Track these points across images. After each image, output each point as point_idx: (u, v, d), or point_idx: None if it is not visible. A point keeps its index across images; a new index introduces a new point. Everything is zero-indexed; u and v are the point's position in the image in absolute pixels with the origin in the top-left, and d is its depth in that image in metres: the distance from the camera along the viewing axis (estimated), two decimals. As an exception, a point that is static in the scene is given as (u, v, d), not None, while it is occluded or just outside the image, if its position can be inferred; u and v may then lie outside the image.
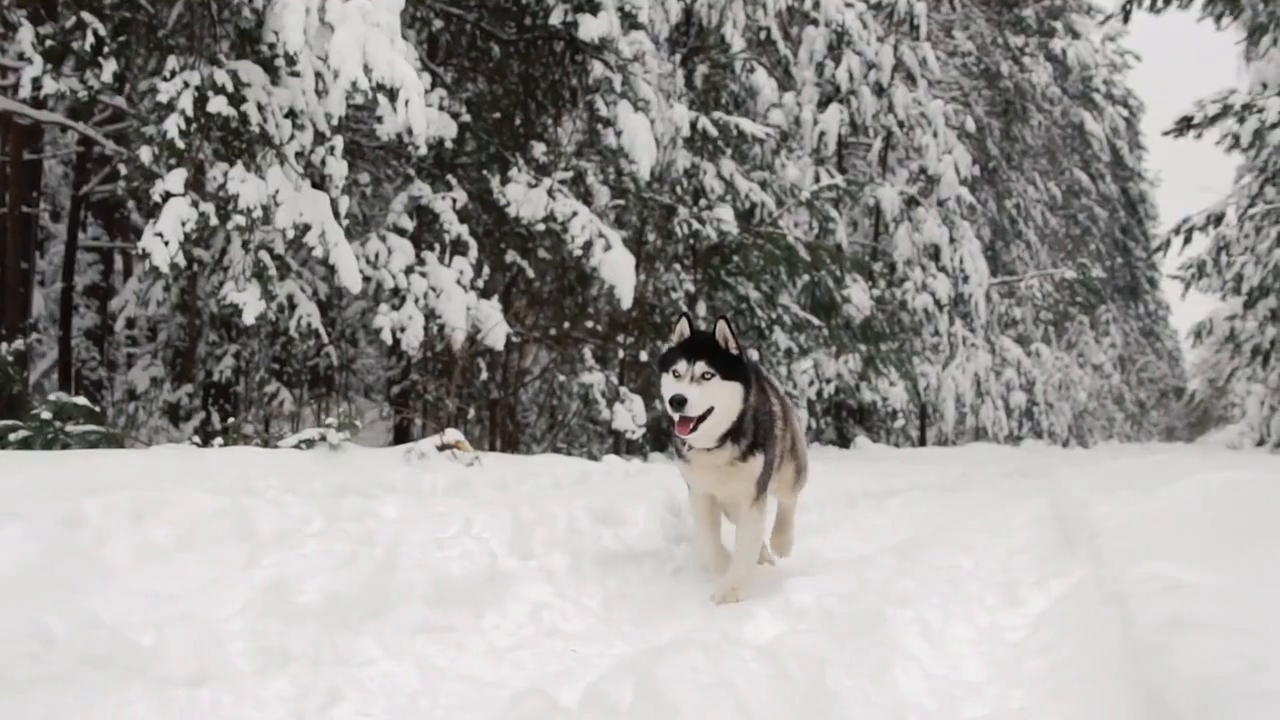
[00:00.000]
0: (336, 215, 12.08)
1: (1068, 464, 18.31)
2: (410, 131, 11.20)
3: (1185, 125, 18.56)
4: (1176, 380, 60.58)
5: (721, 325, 5.01)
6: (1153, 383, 57.45)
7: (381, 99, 10.96)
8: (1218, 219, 19.96)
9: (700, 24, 20.57)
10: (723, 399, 4.90)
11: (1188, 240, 20.27)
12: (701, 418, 4.85)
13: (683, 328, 5.07)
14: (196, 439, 10.98)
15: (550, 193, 15.23)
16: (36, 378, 18.11)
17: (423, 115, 11.04)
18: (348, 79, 10.70)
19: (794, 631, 3.59)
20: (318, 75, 11.95)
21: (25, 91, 11.32)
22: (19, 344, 12.15)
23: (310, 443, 10.05)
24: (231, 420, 14.43)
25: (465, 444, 11.12)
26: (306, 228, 11.55)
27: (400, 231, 14.71)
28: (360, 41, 10.84)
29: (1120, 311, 49.91)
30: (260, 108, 11.61)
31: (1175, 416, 65.55)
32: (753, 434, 5.14)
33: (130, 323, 22.58)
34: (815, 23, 24.77)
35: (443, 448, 10.87)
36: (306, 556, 3.89)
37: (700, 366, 4.87)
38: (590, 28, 15.36)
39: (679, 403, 4.74)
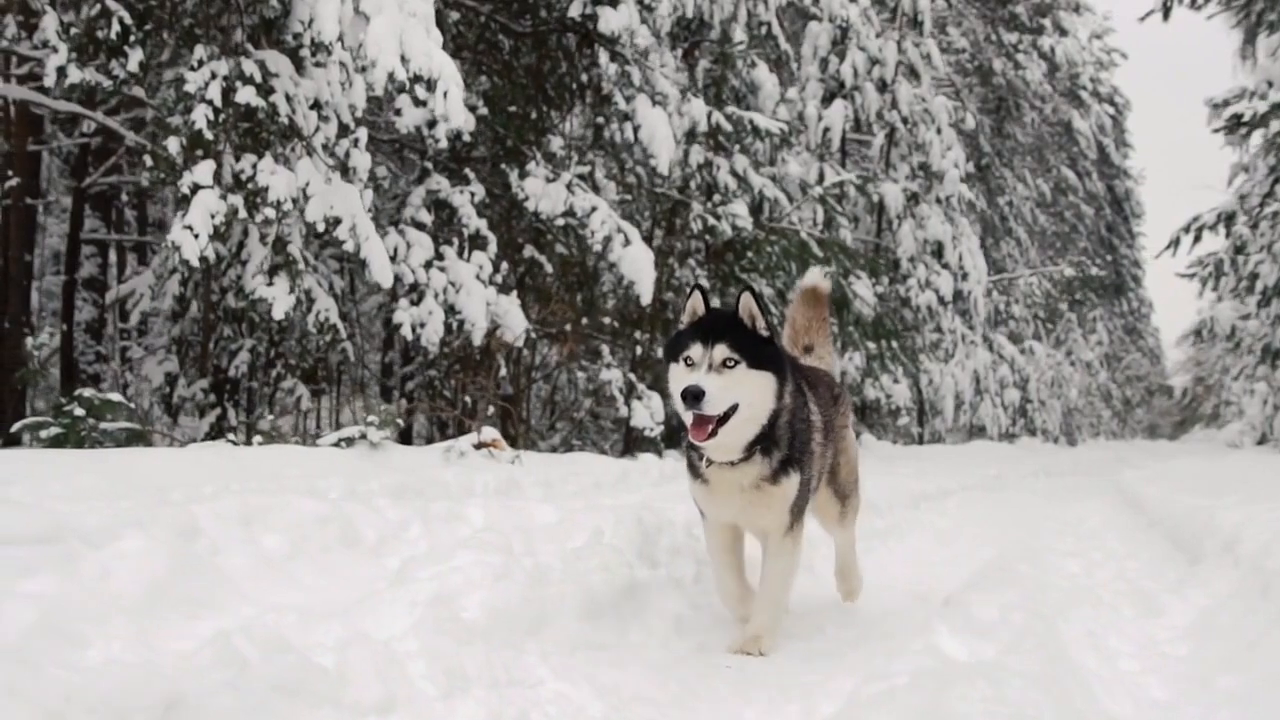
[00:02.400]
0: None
1: (1090, 463, 18.27)
2: (446, 119, 10.98)
3: (1235, 123, 18.49)
4: (1158, 378, 60.95)
5: (747, 299, 3.98)
6: (1137, 380, 57.73)
7: (418, 90, 10.77)
8: (1229, 217, 19.95)
9: (702, 18, 20.37)
10: (750, 394, 3.90)
11: (1198, 239, 20.25)
12: (723, 419, 3.85)
13: (695, 303, 4.09)
14: (234, 437, 10.74)
15: (569, 187, 15.06)
16: (44, 358, 17.81)
17: (461, 106, 10.87)
18: (385, 69, 10.50)
19: (989, 649, 3.42)
20: (342, 66, 11.76)
21: (50, 80, 11.05)
22: (44, 338, 11.88)
23: (350, 441, 9.87)
24: (253, 416, 14.21)
25: (502, 442, 10.96)
26: (337, 221, 11.34)
27: (419, 226, 14.51)
28: (397, 31, 10.64)
29: (1105, 309, 50.08)
30: (288, 98, 11.38)
31: (1158, 414, 65.94)
32: (788, 445, 4.12)
33: (126, 316, 22.28)
34: (818, 18, 24.65)
35: (479, 446, 10.71)
36: (461, 569, 3.71)
37: (721, 351, 3.85)
38: (611, 20, 15.17)
39: (694, 397, 3.74)
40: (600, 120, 16.84)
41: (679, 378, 3.90)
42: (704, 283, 18.18)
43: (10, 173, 13.36)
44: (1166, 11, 20.42)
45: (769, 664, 3.98)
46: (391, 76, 10.51)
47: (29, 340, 11.68)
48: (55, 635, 3.14)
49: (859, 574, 5.20)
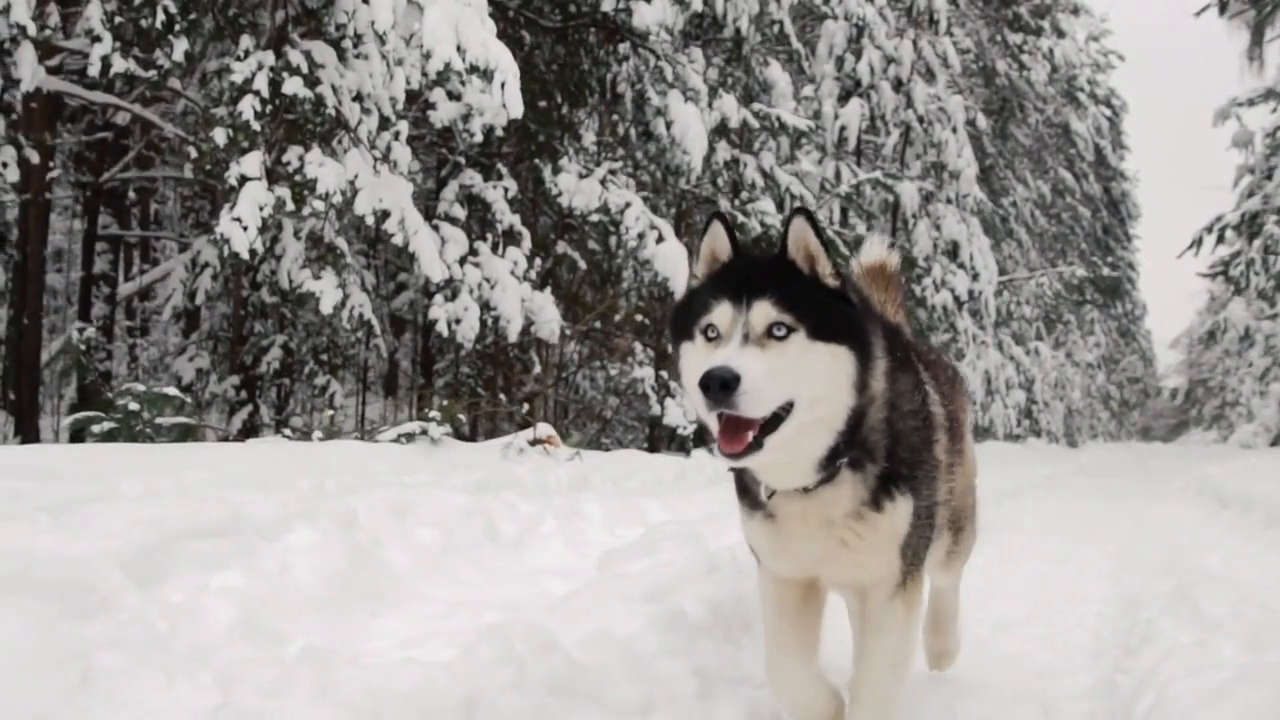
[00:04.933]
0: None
1: (1114, 464, 18.18)
2: (505, 110, 10.78)
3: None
4: (1151, 380, 61.14)
5: (800, 227, 2.62)
6: (1132, 382, 57.85)
7: (474, 80, 10.59)
8: (1252, 218, 19.92)
9: (714, 16, 20.20)
10: (815, 381, 2.51)
11: (1220, 239, 20.23)
12: (771, 421, 2.47)
13: (716, 240, 2.73)
14: (289, 432, 10.53)
15: (603, 183, 14.89)
16: (46, 361, 17.57)
17: (518, 97, 10.68)
18: (441, 59, 10.31)
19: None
20: (384, 57, 11.57)
21: (94, 70, 10.82)
22: (89, 332, 11.66)
23: (410, 436, 9.70)
24: (284, 413, 14.01)
25: (556, 439, 10.83)
26: (386, 214, 11.15)
27: (452, 221, 14.32)
28: (453, 21, 10.45)
29: (1101, 312, 50.16)
30: (334, 90, 11.19)
31: (1152, 416, 66.13)
32: (890, 454, 2.75)
33: (132, 313, 22.05)
34: (834, 17, 24.55)
35: (535, 442, 10.56)
36: (669, 564, 3.56)
37: (764, 313, 2.50)
38: (645, 15, 15.02)
39: (721, 386, 2.37)
40: (633, 116, 16.67)
41: (697, 358, 2.56)
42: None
43: (50, 163, 13.09)
44: (1223, 7, 20.33)
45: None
46: (448, 67, 10.32)
47: (72, 333, 11.42)
48: (256, 631, 3.03)
49: (958, 632, 3.87)
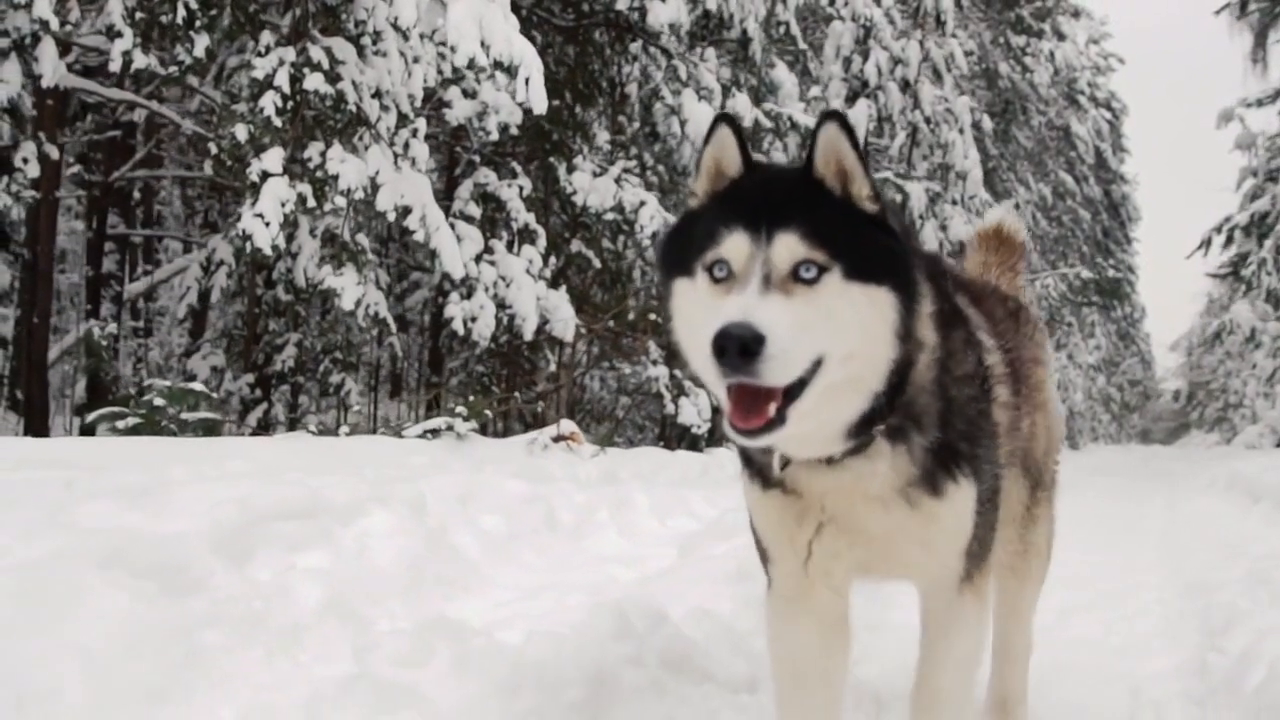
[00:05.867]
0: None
1: (1122, 465, 18.15)
2: (529, 105, 10.77)
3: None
4: (1150, 383, 61.21)
5: (830, 134, 2.09)
6: (1132, 385, 57.91)
7: (498, 76, 10.59)
8: (1261, 218, 19.95)
9: (721, 17, 20.17)
10: (851, 331, 2.01)
11: (1229, 240, 20.26)
12: (795, 388, 1.96)
13: (724, 149, 2.18)
14: (312, 428, 10.51)
15: (618, 181, 14.89)
16: (55, 357, 17.55)
17: (543, 93, 10.66)
18: (466, 54, 10.29)
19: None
20: (402, 55, 11.55)
21: (115, 65, 10.81)
22: (112, 328, 11.62)
23: (435, 432, 9.67)
24: (298, 411, 13.98)
25: (580, 435, 10.80)
26: (407, 210, 11.13)
27: (468, 219, 14.29)
28: (477, 16, 10.43)
29: (1102, 314, 50.21)
30: (355, 86, 11.17)
31: (1151, 419, 66.21)
32: (941, 420, 2.20)
33: (136, 313, 21.96)
34: (840, 18, 24.57)
35: (558, 439, 10.53)
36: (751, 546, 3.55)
37: (789, 248, 1.99)
38: (660, 14, 15.03)
39: (741, 350, 1.86)
40: (640, 117, 16.68)
41: (700, 303, 2.04)
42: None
43: (70, 158, 13.04)
44: (1243, 6, 20.38)
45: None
46: (473, 62, 10.31)
47: (95, 331, 11.39)
48: (343, 612, 3.01)
49: (1026, 674, 3.10)
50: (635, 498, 5.57)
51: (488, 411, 10.59)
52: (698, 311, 1.99)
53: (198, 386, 9.42)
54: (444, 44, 10.46)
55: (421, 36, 10.77)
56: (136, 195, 21.55)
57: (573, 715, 2.23)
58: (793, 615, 2.32)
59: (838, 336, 1.95)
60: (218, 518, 3.18)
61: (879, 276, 2.00)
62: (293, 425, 13.39)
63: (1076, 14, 45.16)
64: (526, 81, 10.52)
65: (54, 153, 11.70)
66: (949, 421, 2.18)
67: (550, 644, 2.48)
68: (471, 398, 11.11)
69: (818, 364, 1.93)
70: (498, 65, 10.45)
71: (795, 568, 2.27)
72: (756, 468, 2.25)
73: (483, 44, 10.41)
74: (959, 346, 2.26)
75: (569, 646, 2.49)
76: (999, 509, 2.43)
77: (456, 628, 2.62)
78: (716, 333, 1.82)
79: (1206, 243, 20.39)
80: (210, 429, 9.70)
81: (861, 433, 2.07)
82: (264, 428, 13.19)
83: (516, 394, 14.45)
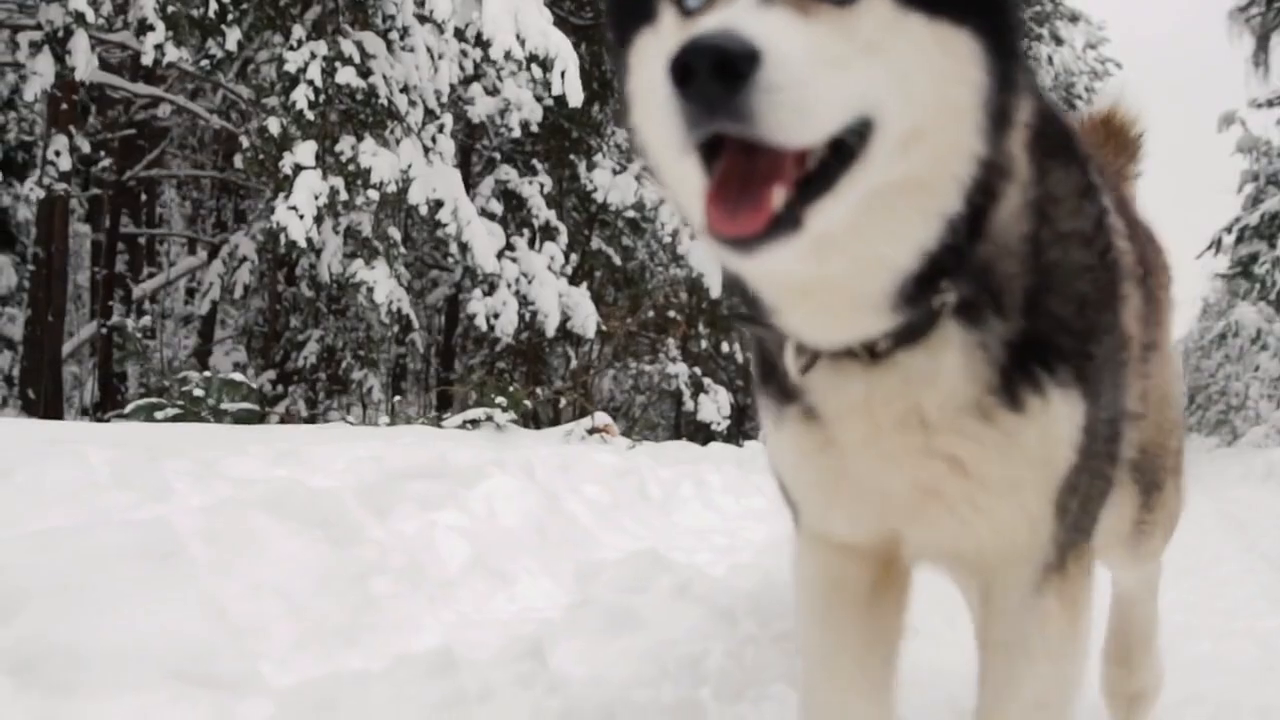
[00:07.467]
0: (461, 193, 11.72)
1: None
2: (565, 98, 10.82)
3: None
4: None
5: None
6: (1128, 388, 57.95)
7: (534, 69, 10.63)
8: (1272, 217, 20.03)
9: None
10: (914, 85, 1.23)
11: (1239, 239, 20.34)
12: (820, 174, 1.19)
13: None
14: (350, 418, 10.52)
15: (638, 179, 14.93)
16: (67, 353, 17.55)
17: (578, 85, 10.70)
18: (502, 47, 10.35)
19: None
20: (429, 50, 11.59)
21: (147, 59, 10.80)
22: (146, 319, 11.63)
23: (475, 423, 9.70)
24: (320, 406, 13.98)
25: (613, 428, 10.82)
26: (439, 204, 11.16)
27: (489, 216, 14.32)
28: (513, 10, 10.48)
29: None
30: (385, 80, 11.21)
31: (1146, 421, 66.19)
32: (1031, 298, 1.43)
33: (141, 311, 21.89)
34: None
35: (593, 431, 10.56)
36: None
37: None
38: (678, 11, 15.05)
39: (716, 66, 1.08)
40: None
41: (668, 60, 1.13)
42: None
43: (104, 154, 13.04)
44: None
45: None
46: (508, 55, 10.35)
47: (128, 324, 11.40)
48: (485, 570, 3.05)
49: (1159, 661, 2.46)
50: (709, 477, 5.62)
51: (527, 402, 10.57)
52: (664, 74, 1.12)
53: (239, 377, 9.46)
54: (479, 37, 10.47)
55: (456, 30, 10.80)
56: (143, 195, 21.55)
57: (785, 645, 2.25)
58: (827, 556, 1.66)
59: (895, 88, 1.22)
60: (359, 473, 3.21)
61: (955, 10, 1.26)
62: (312, 420, 13.39)
63: (1074, 19, 45.34)
64: (562, 75, 10.56)
65: (85, 145, 11.67)
66: (1046, 304, 1.43)
67: (759, 575, 2.52)
68: (514, 387, 11.10)
69: (863, 131, 1.20)
70: (532, 58, 10.48)
71: (821, 516, 1.62)
72: (774, 383, 1.54)
73: (518, 36, 10.46)
74: (1070, 192, 1.50)
75: (778, 575, 2.51)
76: (1118, 464, 1.62)
77: (667, 556, 2.65)
78: (678, 49, 1.10)
79: (1217, 242, 20.48)
80: (250, 419, 9.72)
81: (919, 300, 1.34)
82: (287, 421, 13.18)
83: (538, 389, 14.45)
